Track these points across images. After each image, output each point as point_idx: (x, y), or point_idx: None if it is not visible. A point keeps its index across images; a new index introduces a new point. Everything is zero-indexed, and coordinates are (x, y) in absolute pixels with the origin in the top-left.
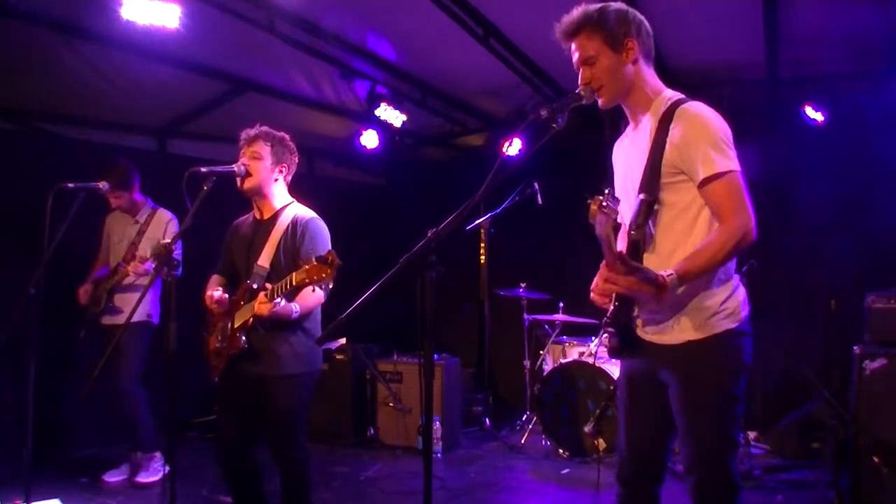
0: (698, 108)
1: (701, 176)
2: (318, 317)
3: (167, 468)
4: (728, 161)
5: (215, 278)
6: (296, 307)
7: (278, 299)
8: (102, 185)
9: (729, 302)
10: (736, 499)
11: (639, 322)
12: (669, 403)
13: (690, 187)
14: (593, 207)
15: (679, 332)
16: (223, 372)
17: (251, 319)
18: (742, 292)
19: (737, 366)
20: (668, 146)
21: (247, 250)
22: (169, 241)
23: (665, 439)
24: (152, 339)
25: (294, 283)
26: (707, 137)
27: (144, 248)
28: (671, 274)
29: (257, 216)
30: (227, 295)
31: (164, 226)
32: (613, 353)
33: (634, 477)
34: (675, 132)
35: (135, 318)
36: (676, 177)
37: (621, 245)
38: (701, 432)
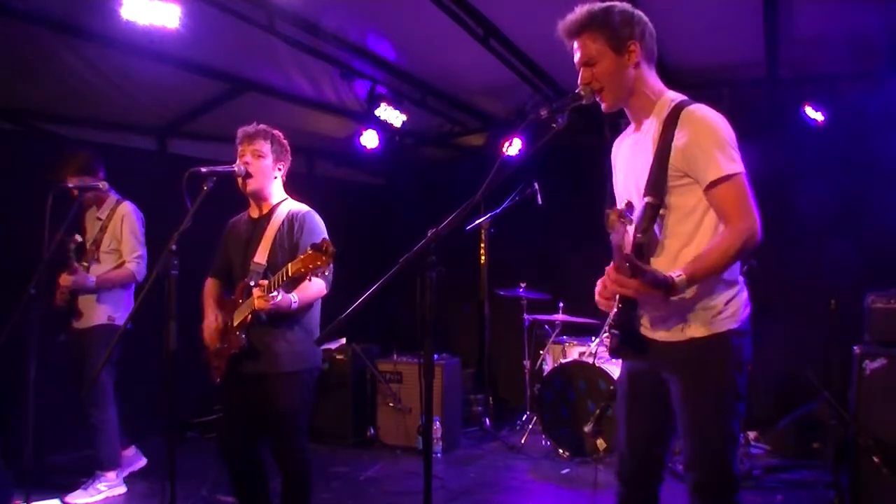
0: (703, 111)
1: (708, 179)
2: (317, 314)
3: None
4: (734, 164)
5: (211, 283)
6: (294, 297)
7: (275, 292)
8: (102, 184)
9: (732, 303)
10: (736, 496)
11: (643, 321)
12: (670, 402)
13: (696, 190)
14: (612, 217)
15: (684, 329)
16: (225, 372)
17: (249, 316)
18: (745, 295)
19: (739, 362)
20: (673, 150)
21: (243, 248)
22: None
23: (665, 438)
24: (122, 343)
25: (290, 274)
26: (713, 141)
27: (107, 245)
28: (680, 275)
29: (253, 214)
30: (220, 324)
31: (119, 220)
32: (614, 352)
33: (634, 475)
34: (680, 136)
35: (95, 322)
36: (682, 180)
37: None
38: (704, 429)
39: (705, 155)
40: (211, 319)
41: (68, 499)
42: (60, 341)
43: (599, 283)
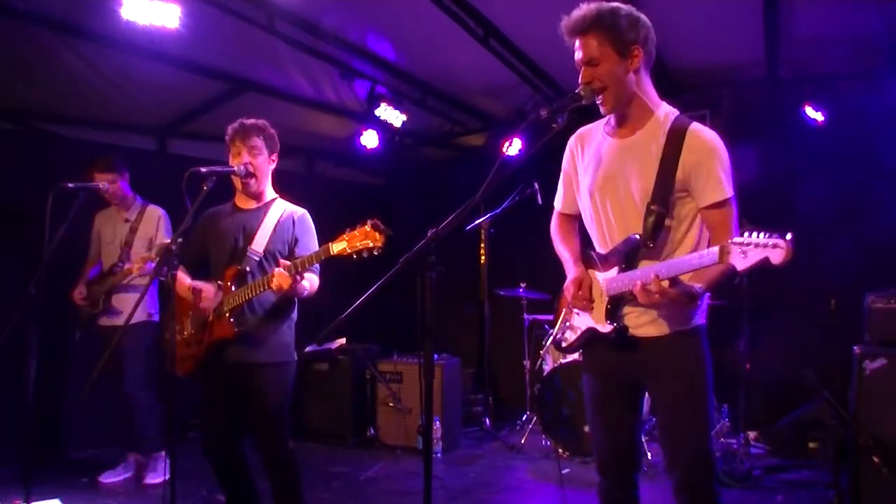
0: (709, 133)
1: (712, 200)
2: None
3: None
4: (731, 187)
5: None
6: (307, 284)
7: (300, 273)
8: (103, 185)
9: (702, 303)
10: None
11: (627, 320)
12: (641, 399)
13: (689, 202)
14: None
15: (668, 323)
16: (204, 360)
17: (243, 305)
18: (707, 296)
19: (708, 354)
20: (680, 167)
21: (234, 236)
22: (169, 240)
23: (639, 430)
24: (155, 337)
25: (334, 253)
26: (720, 164)
27: (139, 247)
28: (701, 287)
29: (243, 205)
30: (209, 285)
31: (155, 222)
32: (571, 349)
33: (617, 467)
34: (688, 156)
35: (135, 319)
36: (681, 193)
37: (608, 242)
38: (691, 423)
39: (713, 177)
40: (206, 286)
41: (147, 480)
42: (77, 339)
43: (572, 284)
